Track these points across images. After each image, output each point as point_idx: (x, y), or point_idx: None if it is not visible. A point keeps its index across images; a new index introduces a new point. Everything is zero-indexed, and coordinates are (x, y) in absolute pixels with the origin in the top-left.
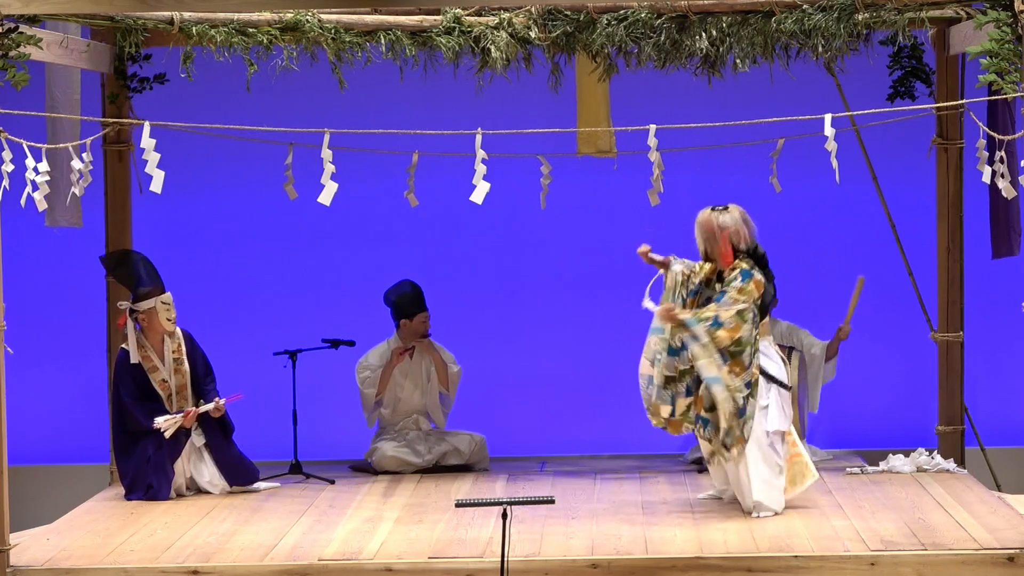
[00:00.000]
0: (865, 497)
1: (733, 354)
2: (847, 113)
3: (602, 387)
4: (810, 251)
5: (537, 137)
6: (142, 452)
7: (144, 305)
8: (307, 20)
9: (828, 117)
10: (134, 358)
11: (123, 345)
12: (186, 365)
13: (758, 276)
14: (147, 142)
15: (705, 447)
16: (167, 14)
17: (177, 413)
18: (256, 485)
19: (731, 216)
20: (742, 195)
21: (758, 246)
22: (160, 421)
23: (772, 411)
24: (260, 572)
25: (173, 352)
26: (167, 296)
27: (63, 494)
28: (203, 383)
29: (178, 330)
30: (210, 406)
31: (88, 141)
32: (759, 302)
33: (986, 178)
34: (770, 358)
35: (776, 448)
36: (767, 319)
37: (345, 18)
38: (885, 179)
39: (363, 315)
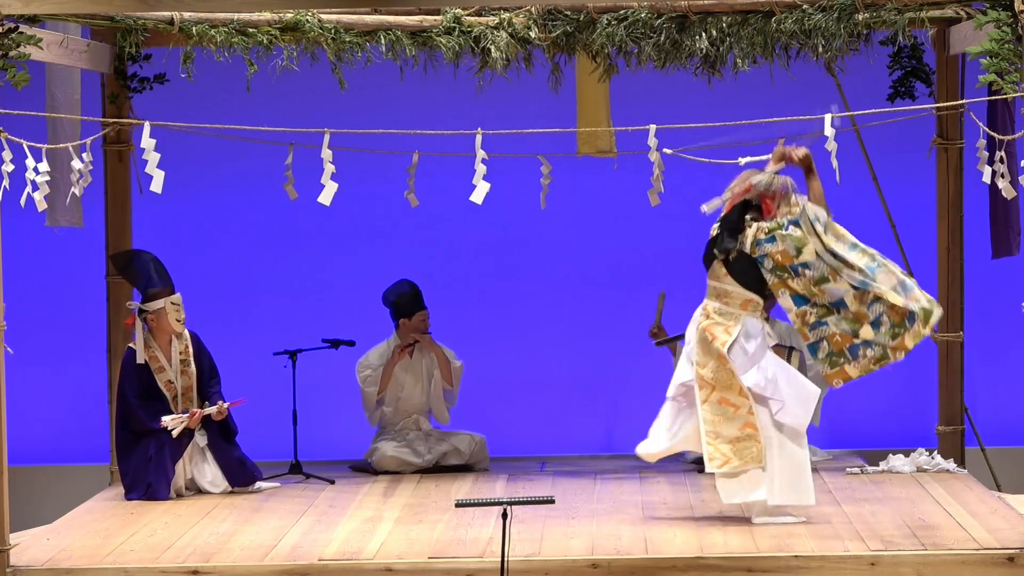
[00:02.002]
0: (865, 497)
1: None
2: (847, 113)
3: (602, 387)
4: None
5: (537, 137)
6: (143, 451)
7: (154, 305)
8: (307, 20)
9: (828, 117)
10: (140, 358)
11: (130, 344)
12: (193, 367)
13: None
14: (147, 142)
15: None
16: (167, 14)
17: (183, 413)
18: (257, 485)
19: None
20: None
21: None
22: (167, 420)
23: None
24: (260, 572)
25: (180, 353)
26: (177, 297)
27: (63, 494)
28: (208, 385)
29: (186, 331)
30: (212, 409)
31: (88, 141)
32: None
33: (986, 178)
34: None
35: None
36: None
37: (345, 18)
38: (885, 179)
39: (363, 315)
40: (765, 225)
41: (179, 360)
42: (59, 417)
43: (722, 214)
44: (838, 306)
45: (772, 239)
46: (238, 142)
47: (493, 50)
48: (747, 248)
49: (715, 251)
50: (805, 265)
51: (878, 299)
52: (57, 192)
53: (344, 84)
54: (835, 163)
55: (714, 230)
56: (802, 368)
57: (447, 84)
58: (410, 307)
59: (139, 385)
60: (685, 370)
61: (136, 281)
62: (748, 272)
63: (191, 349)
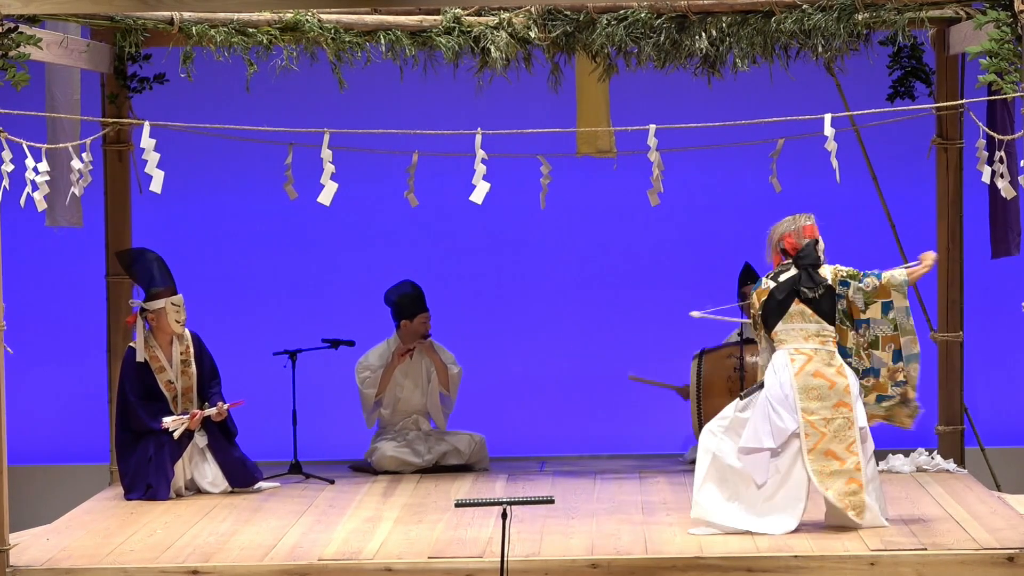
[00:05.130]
0: None
1: None
2: (847, 113)
3: (602, 387)
4: None
5: (537, 137)
6: (143, 452)
7: (155, 305)
8: (307, 20)
9: (828, 117)
10: (140, 356)
11: (131, 343)
12: (193, 367)
13: (758, 287)
14: (147, 142)
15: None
16: (167, 14)
17: (183, 414)
18: (257, 485)
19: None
20: (742, 195)
21: (803, 249)
22: (168, 421)
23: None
24: (260, 572)
25: (181, 354)
26: (178, 298)
27: (63, 494)
28: (208, 386)
29: (187, 332)
30: (212, 411)
31: (88, 141)
32: (754, 312)
33: (986, 178)
34: (773, 367)
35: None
36: (778, 328)
37: (345, 18)
38: (885, 179)
39: (363, 315)
40: (843, 269)
41: (180, 360)
42: (59, 417)
43: (781, 261)
44: (868, 373)
45: (847, 284)
46: (238, 142)
47: (493, 50)
48: (830, 282)
49: (803, 289)
50: (866, 322)
51: (905, 381)
52: (57, 192)
53: (344, 84)
54: (835, 163)
55: (768, 282)
56: None
57: (447, 84)
58: (412, 308)
59: (139, 385)
60: (785, 419)
61: (139, 279)
62: (832, 307)
63: (192, 350)
